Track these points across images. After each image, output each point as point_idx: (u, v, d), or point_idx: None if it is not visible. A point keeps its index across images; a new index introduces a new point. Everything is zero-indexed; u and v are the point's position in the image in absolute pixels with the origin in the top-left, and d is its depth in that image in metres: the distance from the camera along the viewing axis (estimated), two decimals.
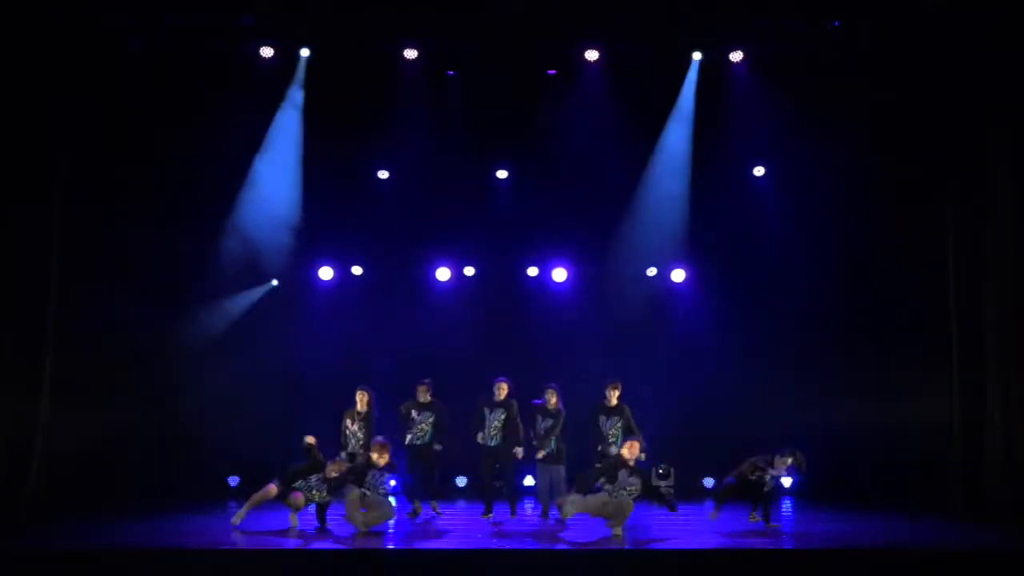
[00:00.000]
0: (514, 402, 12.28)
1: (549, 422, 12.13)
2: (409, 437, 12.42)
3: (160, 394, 14.21)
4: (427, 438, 12.36)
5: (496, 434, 12.15)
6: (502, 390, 12.25)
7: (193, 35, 13.85)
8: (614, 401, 12.34)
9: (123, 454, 13.76)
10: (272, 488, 11.23)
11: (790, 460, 11.32)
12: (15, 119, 12.75)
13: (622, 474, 10.89)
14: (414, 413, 12.45)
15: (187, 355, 14.43)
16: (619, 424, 12.25)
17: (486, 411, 12.22)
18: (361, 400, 12.43)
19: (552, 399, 12.21)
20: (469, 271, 15.23)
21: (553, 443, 12.09)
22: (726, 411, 14.26)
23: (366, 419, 12.40)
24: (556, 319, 15.06)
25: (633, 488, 10.86)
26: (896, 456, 13.68)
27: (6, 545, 10.02)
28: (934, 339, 13.13)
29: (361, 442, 12.21)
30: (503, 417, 12.16)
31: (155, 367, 14.27)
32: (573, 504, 10.72)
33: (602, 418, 12.32)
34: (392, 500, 11.37)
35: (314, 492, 11.29)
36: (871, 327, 14.17)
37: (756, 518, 11.56)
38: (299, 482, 11.25)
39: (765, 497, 11.40)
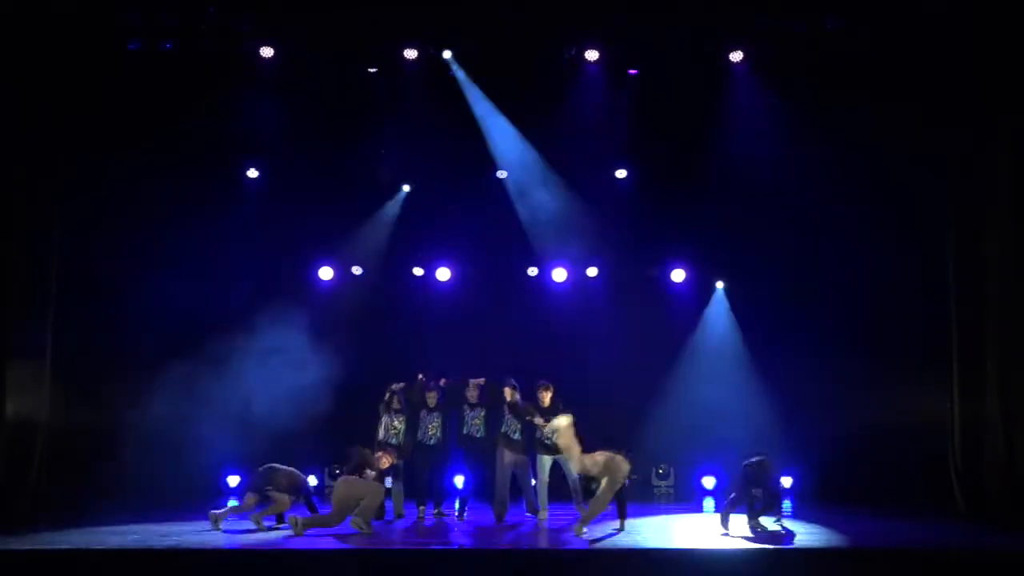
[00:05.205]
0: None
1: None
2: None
3: (159, 394, 14.20)
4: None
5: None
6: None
7: (193, 35, 13.85)
8: (547, 402, 12.08)
9: (123, 454, 13.75)
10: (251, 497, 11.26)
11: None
12: (14, 119, 12.74)
13: None
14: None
15: (187, 355, 14.43)
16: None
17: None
18: (390, 394, 12.39)
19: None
20: (467, 271, 15.25)
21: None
22: (726, 411, 14.23)
23: (401, 412, 12.34)
24: (556, 319, 15.07)
25: None
26: (896, 456, 13.68)
27: (6, 545, 10.01)
28: (934, 339, 13.13)
29: (398, 433, 12.21)
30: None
31: (155, 368, 14.27)
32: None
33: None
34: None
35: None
36: (871, 327, 14.17)
37: (774, 524, 11.18)
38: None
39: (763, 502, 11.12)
